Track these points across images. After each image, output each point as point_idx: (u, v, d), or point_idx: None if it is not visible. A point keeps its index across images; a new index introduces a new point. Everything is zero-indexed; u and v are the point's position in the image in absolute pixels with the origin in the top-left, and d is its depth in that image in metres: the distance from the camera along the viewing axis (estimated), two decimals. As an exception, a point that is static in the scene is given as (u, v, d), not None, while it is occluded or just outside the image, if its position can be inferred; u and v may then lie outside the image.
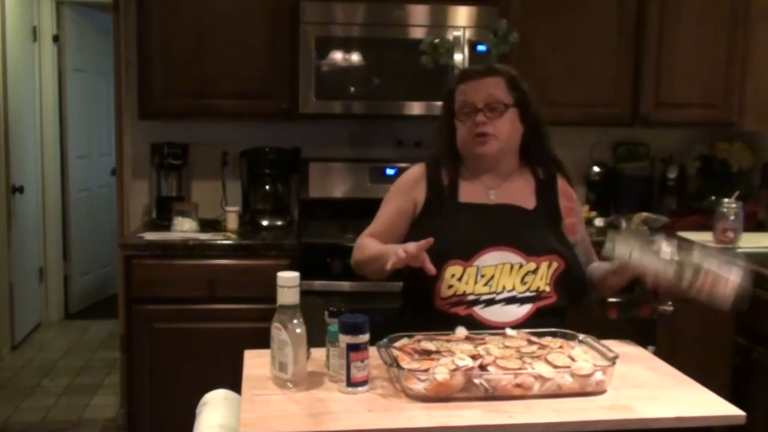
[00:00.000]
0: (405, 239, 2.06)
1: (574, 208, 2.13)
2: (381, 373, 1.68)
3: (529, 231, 2.00)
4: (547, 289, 1.96)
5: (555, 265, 1.97)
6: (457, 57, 3.19)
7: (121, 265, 3.25)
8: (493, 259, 1.95)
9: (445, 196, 2.08)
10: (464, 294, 1.94)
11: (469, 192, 2.08)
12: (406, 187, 2.13)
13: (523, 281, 1.95)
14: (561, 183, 2.13)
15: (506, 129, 2.02)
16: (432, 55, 2.16)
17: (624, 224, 1.85)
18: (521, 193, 2.08)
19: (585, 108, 3.49)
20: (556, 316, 1.97)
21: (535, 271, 1.96)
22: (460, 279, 1.94)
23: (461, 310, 1.93)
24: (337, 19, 3.25)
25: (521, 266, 1.95)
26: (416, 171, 2.14)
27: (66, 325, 5.48)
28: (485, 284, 1.94)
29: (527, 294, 1.95)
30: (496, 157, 2.05)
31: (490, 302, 1.93)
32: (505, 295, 1.94)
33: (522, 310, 1.94)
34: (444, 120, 2.11)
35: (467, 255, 1.95)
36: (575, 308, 2.06)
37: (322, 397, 1.61)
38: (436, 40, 2.15)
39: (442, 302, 1.95)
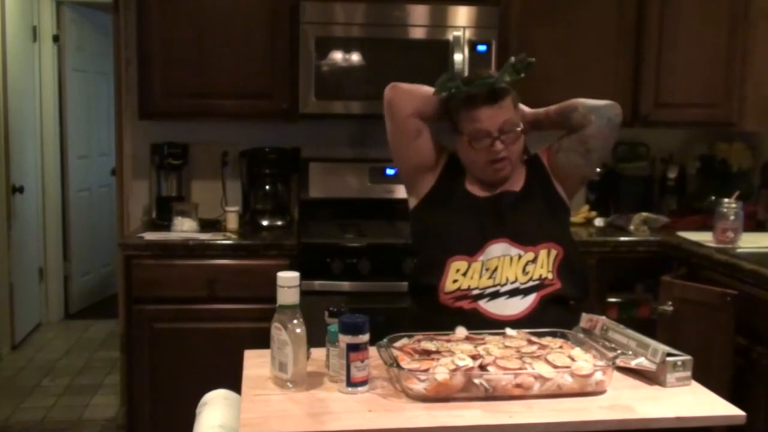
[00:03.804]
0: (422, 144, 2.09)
1: (548, 147, 2.13)
2: (381, 373, 1.68)
3: (524, 220, 2.02)
4: (550, 276, 1.98)
5: (554, 252, 1.99)
6: (457, 57, 3.20)
7: (121, 265, 3.25)
8: (496, 251, 1.97)
9: (448, 188, 2.09)
10: (468, 288, 1.95)
11: (472, 186, 2.10)
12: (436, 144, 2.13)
13: (524, 271, 1.96)
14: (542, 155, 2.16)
15: (518, 149, 2.05)
16: (511, 73, 2.10)
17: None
18: (515, 180, 2.09)
19: (585, 108, 3.48)
20: (562, 304, 1.99)
21: (534, 260, 1.98)
22: (464, 274, 1.95)
23: (466, 304, 1.95)
24: (337, 19, 3.25)
25: (520, 257, 1.97)
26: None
27: (66, 325, 5.48)
28: (489, 277, 1.95)
29: (530, 284, 1.97)
30: (508, 176, 2.07)
31: (494, 295, 1.95)
32: (509, 287, 1.96)
33: (526, 302, 1.96)
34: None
35: (471, 251, 1.96)
36: (582, 301, 2.07)
37: (322, 397, 1.61)
38: (512, 60, 2.11)
39: (446, 297, 1.96)
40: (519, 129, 2.02)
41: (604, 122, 2.05)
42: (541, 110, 2.12)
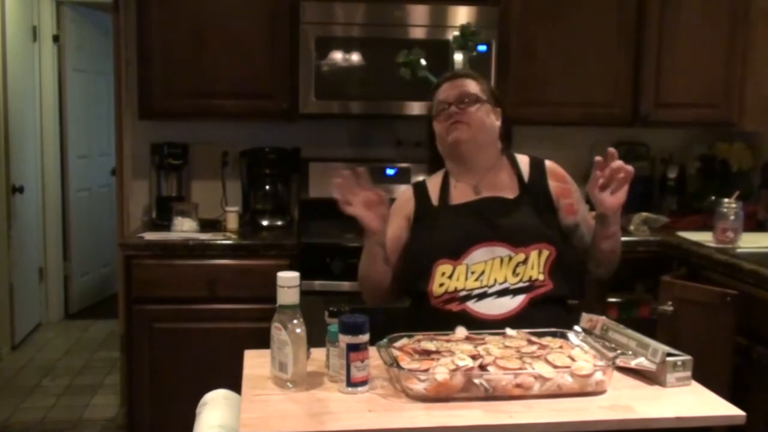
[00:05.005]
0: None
1: (568, 188, 2.14)
2: (381, 373, 1.67)
3: (513, 222, 2.02)
4: (541, 277, 1.97)
5: (546, 253, 1.98)
6: (457, 57, 3.20)
7: (121, 265, 3.25)
8: (481, 255, 1.97)
9: (431, 205, 2.11)
10: (456, 291, 1.96)
11: (456, 195, 2.11)
12: (399, 210, 2.16)
13: (514, 273, 1.96)
14: (550, 165, 2.16)
15: (478, 118, 2.06)
16: (409, 66, 2.21)
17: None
18: (503, 184, 2.10)
19: (585, 108, 3.49)
20: (554, 304, 1.98)
21: (525, 261, 1.97)
22: (450, 277, 1.96)
23: (454, 306, 1.95)
24: (337, 19, 3.25)
25: (510, 258, 1.97)
26: (405, 193, 2.20)
27: (66, 325, 5.48)
28: (476, 279, 1.96)
29: (520, 285, 1.96)
30: (470, 147, 2.07)
31: (482, 296, 1.95)
32: (497, 287, 1.96)
33: (515, 301, 1.95)
34: (426, 127, 2.18)
35: (455, 254, 1.97)
36: (577, 296, 2.07)
37: (322, 397, 1.61)
38: (407, 51, 2.23)
39: (436, 300, 1.97)
40: (478, 98, 2.07)
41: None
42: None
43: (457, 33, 2.42)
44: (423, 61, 2.17)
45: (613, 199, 1.97)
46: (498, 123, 2.12)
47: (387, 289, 2.09)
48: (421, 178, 2.29)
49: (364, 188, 1.93)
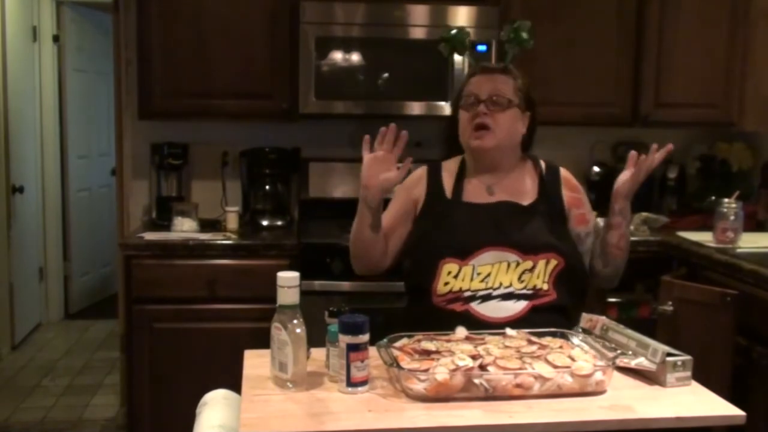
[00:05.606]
0: (407, 237, 2.10)
1: (580, 198, 2.13)
2: (381, 373, 1.67)
3: (525, 229, 2.00)
4: (545, 287, 1.96)
5: (554, 262, 1.97)
6: (457, 57, 3.20)
7: (121, 265, 3.25)
8: (489, 258, 1.96)
9: (443, 196, 2.09)
10: (460, 291, 1.95)
11: (470, 191, 2.09)
12: (408, 188, 2.15)
13: (520, 279, 1.96)
14: (564, 174, 2.15)
15: (506, 124, 2.03)
16: (452, 41, 2.19)
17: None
18: (521, 189, 2.09)
19: (585, 108, 3.49)
20: (556, 313, 1.98)
21: (532, 269, 1.96)
22: (456, 276, 1.95)
23: (458, 307, 1.95)
24: (337, 19, 3.25)
25: (518, 264, 1.96)
26: (418, 172, 2.17)
27: (66, 325, 5.48)
28: (482, 281, 1.95)
29: (524, 291, 1.96)
30: (493, 154, 2.06)
31: (486, 297, 1.94)
32: (502, 291, 1.95)
33: (519, 306, 1.95)
34: (451, 113, 2.16)
35: (463, 254, 1.96)
36: (578, 306, 2.07)
37: (322, 397, 1.61)
38: (453, 31, 2.20)
39: (439, 299, 1.96)
40: (509, 101, 2.03)
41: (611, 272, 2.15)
42: (617, 204, 2.09)
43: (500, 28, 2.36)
44: (466, 43, 2.15)
45: (623, 181, 2.04)
46: (523, 130, 2.08)
47: (374, 259, 2.07)
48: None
49: (388, 147, 2.00)
